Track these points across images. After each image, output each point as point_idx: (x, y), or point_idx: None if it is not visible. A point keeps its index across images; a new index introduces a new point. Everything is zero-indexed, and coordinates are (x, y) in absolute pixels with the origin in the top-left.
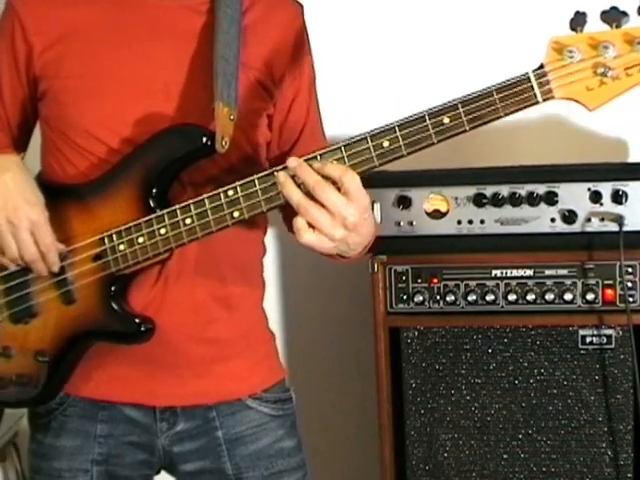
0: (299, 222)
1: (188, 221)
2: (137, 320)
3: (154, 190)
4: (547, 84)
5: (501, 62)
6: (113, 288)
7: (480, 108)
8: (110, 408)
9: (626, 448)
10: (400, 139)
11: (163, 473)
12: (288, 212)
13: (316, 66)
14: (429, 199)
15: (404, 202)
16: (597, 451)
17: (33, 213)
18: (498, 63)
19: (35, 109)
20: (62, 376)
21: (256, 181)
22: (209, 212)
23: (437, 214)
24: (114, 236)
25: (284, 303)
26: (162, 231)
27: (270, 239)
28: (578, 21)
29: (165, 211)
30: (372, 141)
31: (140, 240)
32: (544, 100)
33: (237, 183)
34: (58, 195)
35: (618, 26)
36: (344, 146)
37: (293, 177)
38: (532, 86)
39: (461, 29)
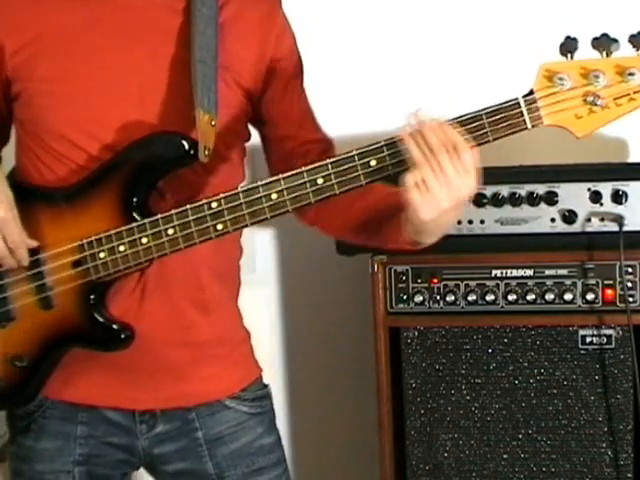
0: (410, 180)
1: (170, 231)
2: (116, 327)
3: (135, 198)
4: (537, 110)
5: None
6: (92, 296)
7: (469, 132)
8: (90, 410)
9: (626, 448)
10: (388, 158)
11: (142, 471)
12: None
13: (309, 67)
14: None
15: None
16: (597, 451)
17: (0, 210)
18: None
19: (10, 108)
20: (39, 380)
21: (241, 194)
22: (192, 223)
23: None
24: (94, 243)
25: (284, 303)
26: (144, 240)
27: (270, 239)
28: (569, 46)
29: (147, 220)
30: (359, 159)
31: (121, 248)
32: (533, 126)
33: (221, 195)
34: (36, 199)
35: (608, 53)
36: (331, 163)
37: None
38: (522, 112)
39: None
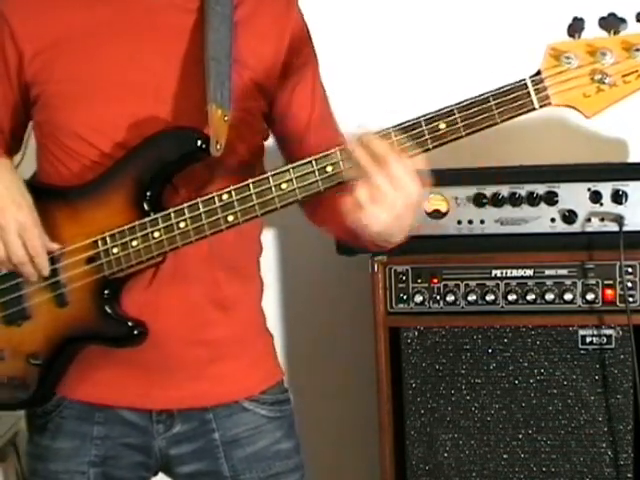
0: (363, 194)
1: (182, 225)
2: (130, 324)
3: (148, 193)
4: (544, 90)
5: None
6: (106, 291)
7: (477, 114)
8: (106, 410)
9: (626, 448)
10: (396, 145)
11: (160, 474)
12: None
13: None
14: (429, 199)
15: None
16: (597, 451)
17: (21, 215)
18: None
19: (28, 114)
20: (54, 379)
21: (251, 185)
22: (203, 216)
23: (437, 214)
24: (108, 239)
25: (284, 303)
26: (156, 235)
27: (270, 239)
28: (576, 27)
29: (159, 215)
30: None
31: (134, 243)
32: (541, 107)
33: (231, 187)
34: (51, 197)
35: (616, 32)
36: (340, 150)
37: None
38: (529, 92)
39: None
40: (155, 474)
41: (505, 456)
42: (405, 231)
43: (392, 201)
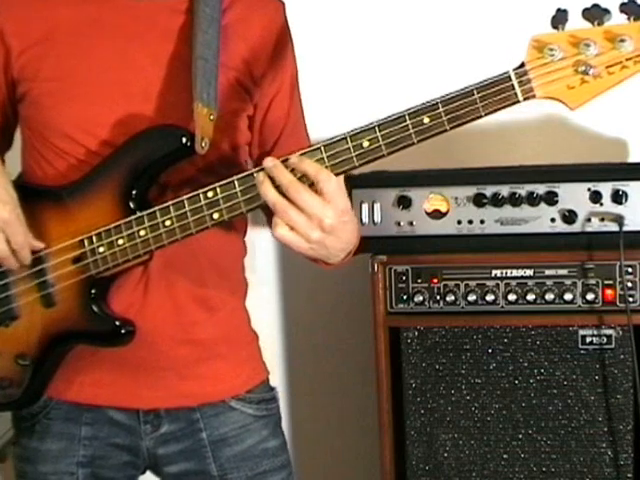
0: (276, 218)
1: (168, 223)
2: (117, 323)
3: (134, 192)
4: (528, 83)
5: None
6: (93, 291)
7: (460, 107)
8: (94, 410)
9: (626, 448)
10: (380, 139)
11: (148, 473)
12: (269, 211)
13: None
14: (429, 199)
15: (404, 202)
16: (597, 451)
17: (4, 211)
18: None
19: (15, 111)
20: (43, 379)
21: (236, 182)
22: (188, 214)
23: (437, 214)
24: (94, 238)
25: (284, 303)
26: (142, 233)
27: (270, 238)
28: (559, 19)
29: (145, 213)
30: (352, 141)
31: (120, 242)
32: (525, 99)
33: (217, 184)
34: (37, 197)
35: (600, 23)
36: (324, 146)
37: (272, 177)
38: (513, 85)
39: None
40: (143, 472)
41: (505, 456)
42: (338, 251)
43: (305, 232)
